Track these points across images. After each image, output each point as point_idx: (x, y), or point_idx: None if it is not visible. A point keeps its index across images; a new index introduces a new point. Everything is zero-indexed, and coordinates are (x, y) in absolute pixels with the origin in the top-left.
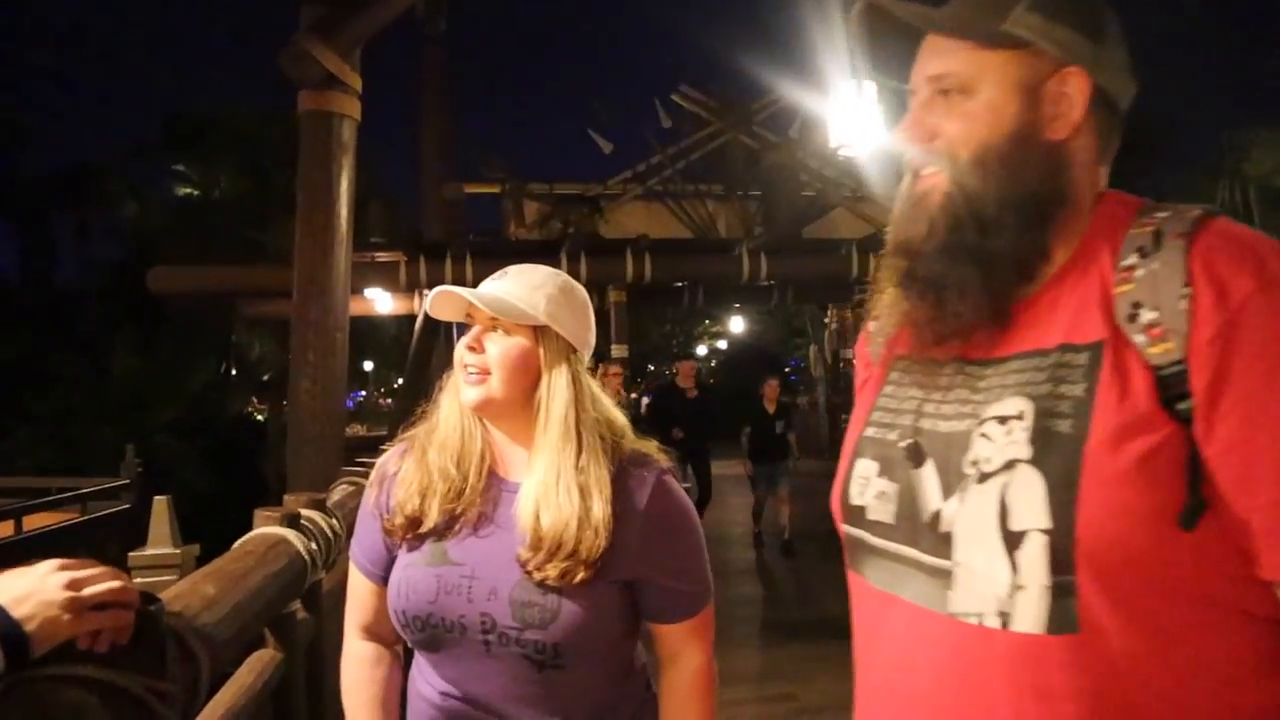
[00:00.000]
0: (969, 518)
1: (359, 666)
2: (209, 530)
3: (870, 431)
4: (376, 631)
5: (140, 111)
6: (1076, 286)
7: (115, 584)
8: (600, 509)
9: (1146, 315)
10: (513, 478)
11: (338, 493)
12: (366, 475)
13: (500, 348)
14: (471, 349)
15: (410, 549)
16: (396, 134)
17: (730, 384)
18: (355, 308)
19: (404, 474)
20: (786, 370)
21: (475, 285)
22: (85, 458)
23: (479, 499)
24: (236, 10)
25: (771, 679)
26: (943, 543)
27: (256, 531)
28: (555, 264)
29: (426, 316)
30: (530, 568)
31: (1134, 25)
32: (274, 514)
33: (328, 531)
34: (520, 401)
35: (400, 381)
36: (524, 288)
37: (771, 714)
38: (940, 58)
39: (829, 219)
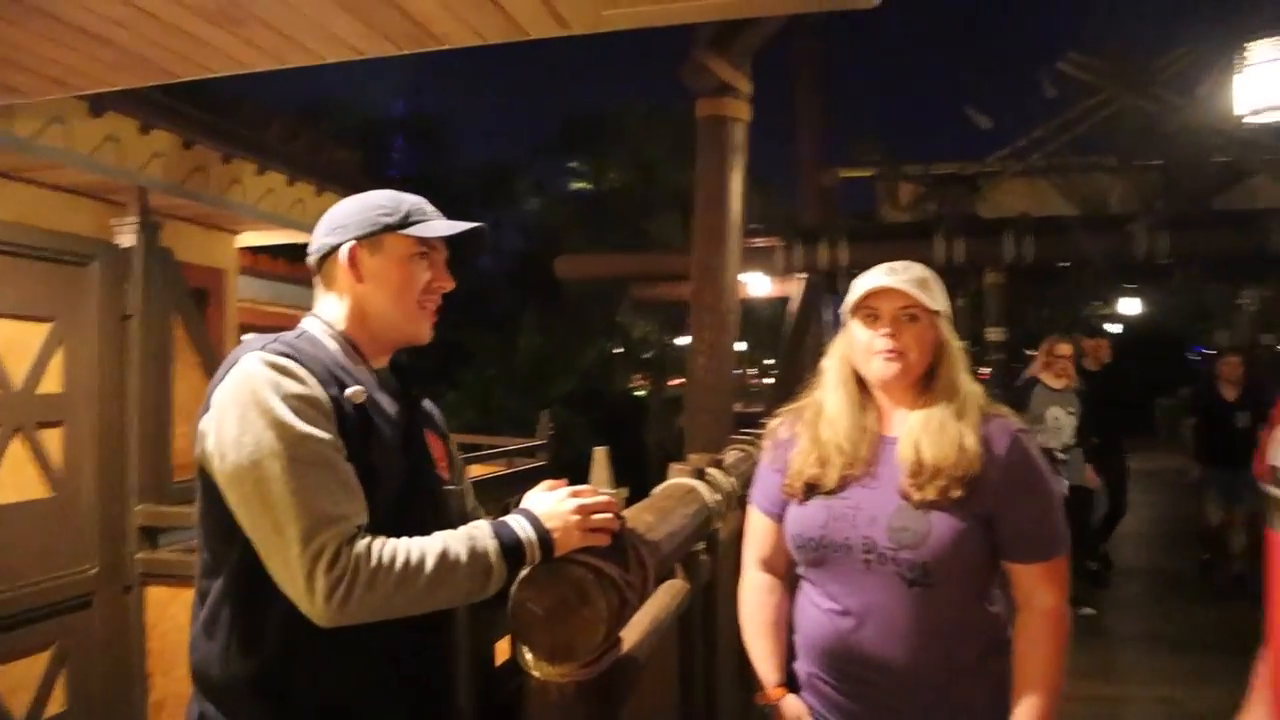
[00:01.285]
0: None
1: (756, 593)
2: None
3: None
4: (771, 564)
5: (543, 115)
6: None
7: (609, 512)
8: (972, 442)
9: None
10: (893, 433)
11: (729, 456)
12: (752, 444)
13: (914, 331)
14: (891, 335)
15: (805, 499)
16: (773, 121)
17: (1121, 372)
18: None
19: (801, 447)
20: (1193, 358)
21: (851, 267)
22: (498, 420)
23: (866, 464)
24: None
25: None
26: None
27: (672, 481)
28: (929, 246)
29: (805, 299)
30: (912, 491)
31: None
32: (685, 468)
33: (726, 486)
34: (921, 373)
35: (770, 361)
36: (915, 284)
37: (1151, 714)
38: None
39: (1245, 187)
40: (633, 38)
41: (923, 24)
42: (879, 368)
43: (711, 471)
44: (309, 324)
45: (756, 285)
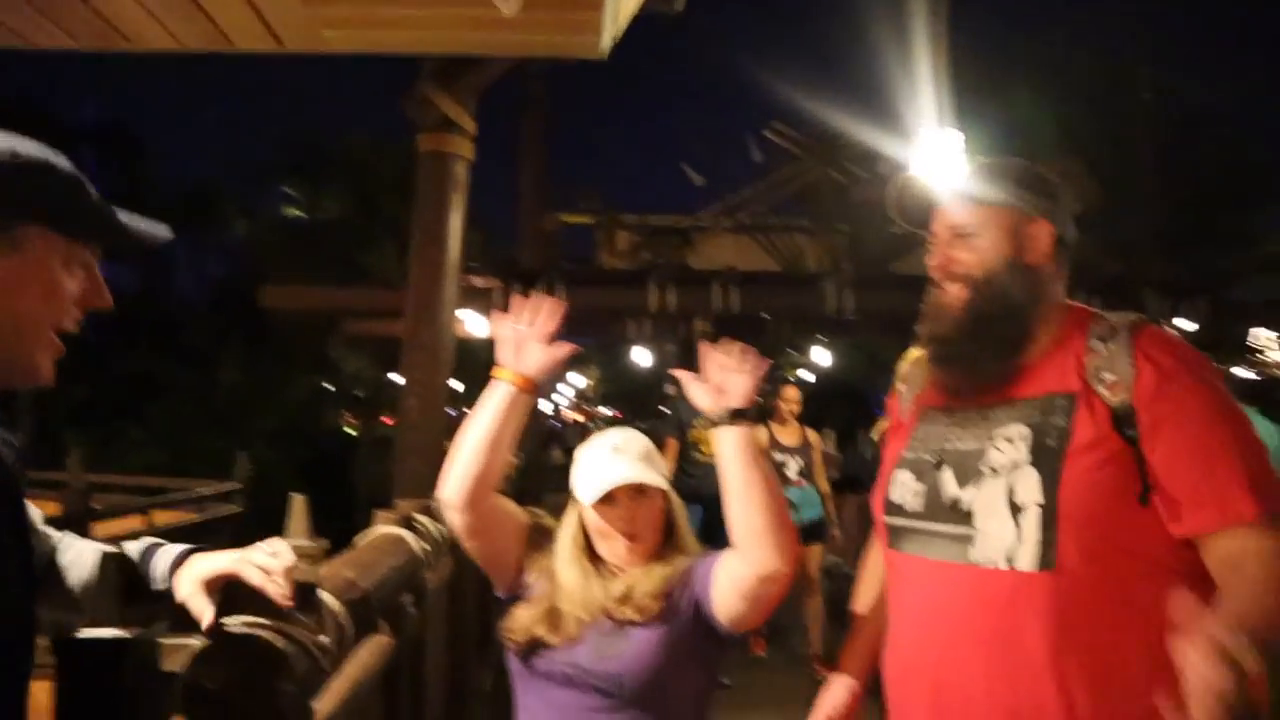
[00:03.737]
0: (985, 499)
1: None
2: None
3: (907, 454)
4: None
5: (253, 134)
6: (1055, 359)
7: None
8: (677, 568)
9: (1106, 376)
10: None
11: None
12: None
13: (648, 514)
14: (628, 520)
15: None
16: (496, 163)
17: (809, 416)
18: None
19: (533, 602)
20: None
21: (569, 311)
22: (192, 462)
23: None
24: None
25: None
26: (963, 518)
27: (378, 529)
28: (643, 293)
29: None
30: (613, 611)
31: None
32: (392, 516)
33: (435, 534)
34: (653, 547)
35: None
36: (645, 467)
37: None
38: (955, 213)
39: (916, 255)
40: (362, 65)
41: (645, 77)
42: (618, 551)
43: (420, 519)
44: None
45: (474, 325)
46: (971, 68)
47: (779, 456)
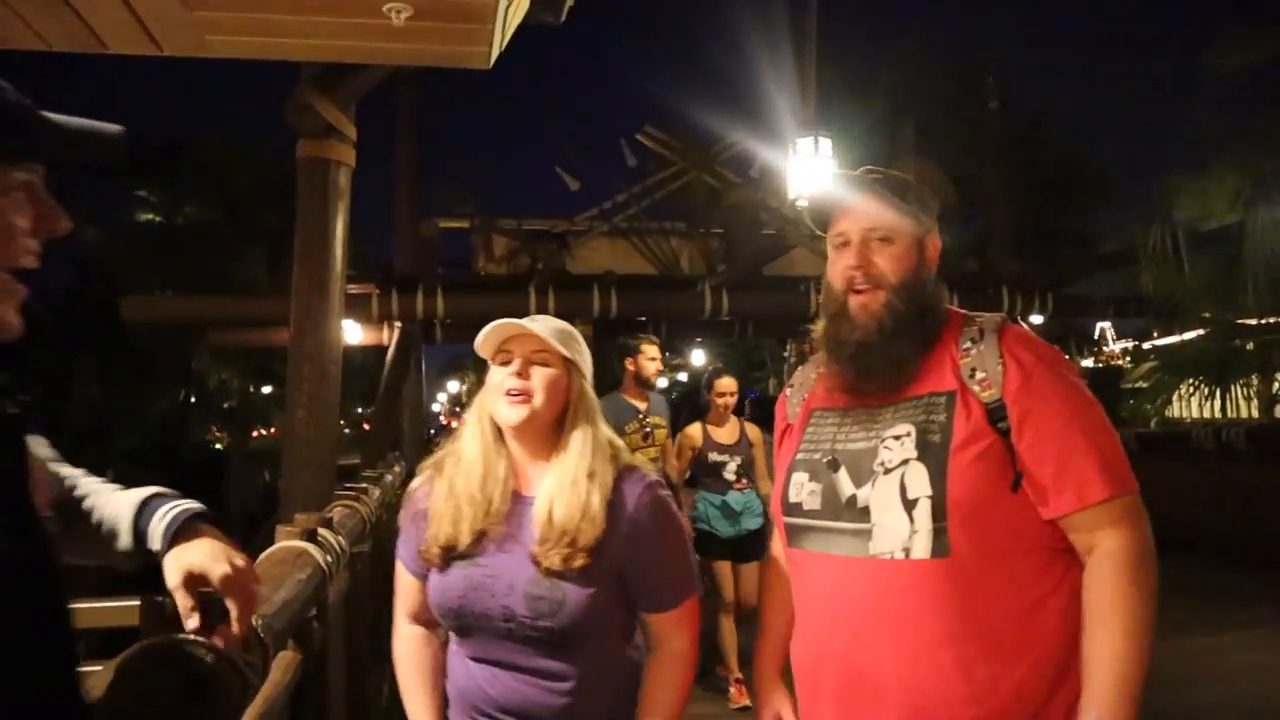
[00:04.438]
0: (880, 495)
1: (410, 644)
2: None
3: (800, 455)
4: (421, 617)
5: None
6: (934, 360)
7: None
8: (598, 504)
9: (979, 375)
10: (530, 493)
11: (337, 513)
12: (356, 499)
13: (543, 376)
14: (520, 375)
15: (445, 564)
16: (370, 168)
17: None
18: None
19: (434, 507)
20: (746, 402)
21: (446, 318)
22: None
23: (502, 519)
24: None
25: None
26: (861, 514)
27: (281, 544)
28: (524, 298)
29: (398, 348)
30: (539, 558)
31: (1079, 77)
32: (294, 529)
33: (337, 547)
34: (550, 420)
35: (364, 410)
36: (551, 332)
37: None
38: (871, 218)
39: (789, 257)
40: (222, 67)
41: (519, 80)
42: (504, 410)
43: (323, 532)
44: None
45: (350, 333)
46: (836, 72)
47: (716, 457)
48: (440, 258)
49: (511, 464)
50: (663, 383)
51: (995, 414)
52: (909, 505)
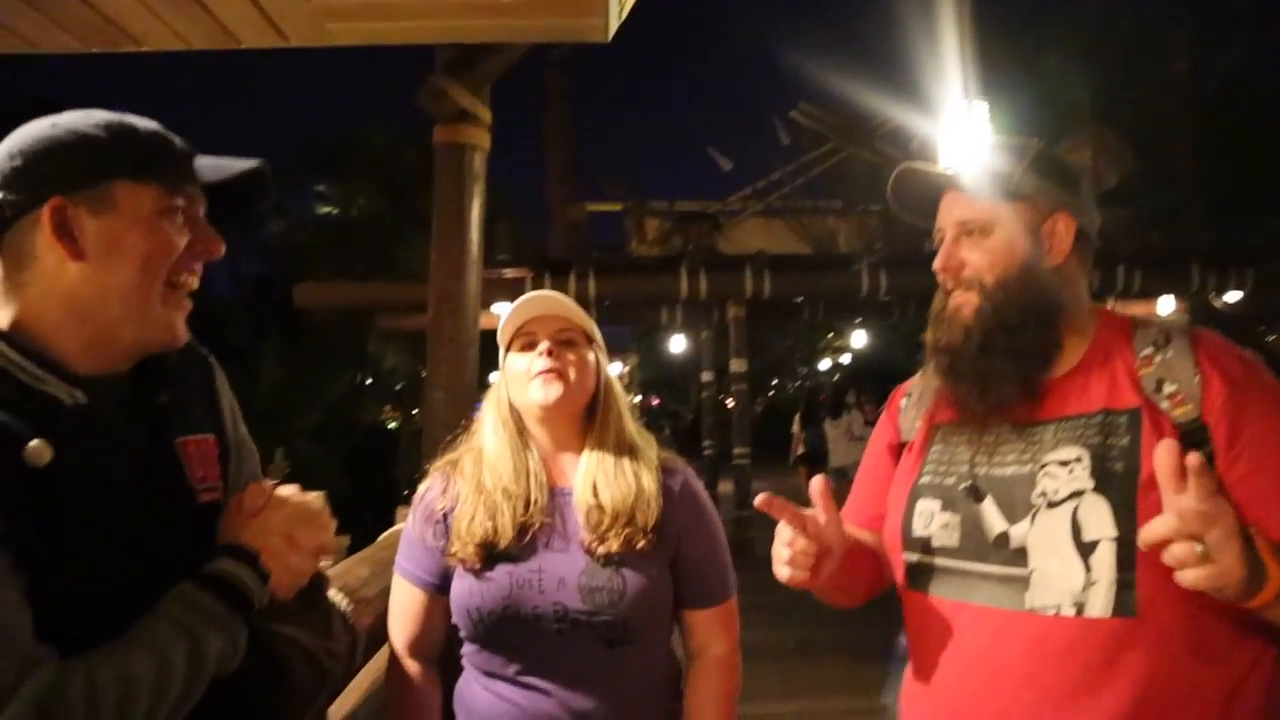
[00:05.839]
0: (1043, 534)
1: (416, 691)
2: (345, 529)
3: (925, 480)
4: (423, 646)
5: (277, 135)
6: (1103, 370)
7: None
8: (650, 483)
9: (1168, 388)
10: (568, 484)
11: None
12: None
13: (575, 355)
14: (551, 353)
15: (484, 564)
16: (523, 155)
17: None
18: (483, 322)
19: (464, 504)
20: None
21: (600, 299)
22: None
23: (542, 512)
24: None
25: None
26: (1015, 557)
27: (399, 525)
28: (675, 280)
29: None
30: (593, 544)
31: None
32: None
33: None
34: (583, 403)
35: None
36: (576, 311)
37: None
38: (964, 207)
39: None
40: (375, 61)
41: (670, 62)
42: (538, 392)
43: None
44: None
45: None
46: (1000, 39)
47: None
48: (593, 241)
49: (544, 460)
50: (825, 364)
51: (1192, 436)
52: (1084, 549)
